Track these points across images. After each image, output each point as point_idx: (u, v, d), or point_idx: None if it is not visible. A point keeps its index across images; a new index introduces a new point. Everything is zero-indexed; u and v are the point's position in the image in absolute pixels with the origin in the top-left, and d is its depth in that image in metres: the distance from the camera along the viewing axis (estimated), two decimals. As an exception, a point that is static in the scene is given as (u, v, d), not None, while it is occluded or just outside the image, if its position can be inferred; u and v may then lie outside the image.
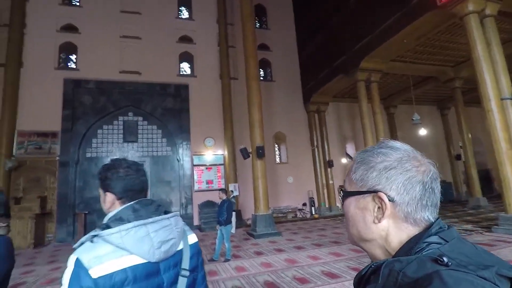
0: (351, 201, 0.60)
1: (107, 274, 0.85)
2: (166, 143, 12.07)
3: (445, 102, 16.79)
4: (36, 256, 7.70)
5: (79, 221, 10.11)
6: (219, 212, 6.11)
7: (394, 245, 0.54)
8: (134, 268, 0.90)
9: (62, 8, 11.82)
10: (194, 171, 12.03)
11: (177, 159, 11.99)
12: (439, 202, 0.56)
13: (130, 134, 11.65)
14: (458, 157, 15.85)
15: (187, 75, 13.02)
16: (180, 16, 13.53)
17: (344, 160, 15.06)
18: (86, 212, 10.32)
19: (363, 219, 0.57)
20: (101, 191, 1.07)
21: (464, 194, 15.66)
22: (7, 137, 10.02)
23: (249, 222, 10.86)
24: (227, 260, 5.88)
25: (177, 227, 1.05)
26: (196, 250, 1.12)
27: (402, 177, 0.54)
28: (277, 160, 13.90)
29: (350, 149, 15.56)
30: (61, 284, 0.84)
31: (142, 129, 11.88)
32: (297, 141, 14.06)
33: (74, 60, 11.85)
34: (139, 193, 1.06)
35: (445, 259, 0.43)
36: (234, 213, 6.42)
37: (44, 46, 11.20)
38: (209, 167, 12.30)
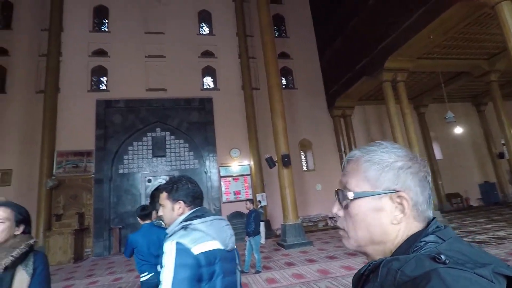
0: (362, 203, 0.57)
1: (204, 252, 1.09)
2: (193, 156, 12.31)
3: (480, 97, 15.77)
4: (76, 270, 8.04)
5: (114, 235, 10.49)
6: (247, 223, 6.06)
7: (398, 244, 0.55)
8: (219, 250, 1.15)
9: (93, 34, 12.63)
10: (222, 183, 12.12)
11: (205, 172, 12.16)
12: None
13: (158, 149, 12.01)
14: (501, 155, 14.68)
15: (210, 89, 13.31)
16: (201, 33, 13.96)
17: (374, 165, 14.51)
18: (121, 226, 10.71)
19: (379, 221, 0.55)
20: (168, 202, 1.31)
21: (511, 195, 14.46)
22: (48, 158, 10.70)
23: (278, 232, 10.69)
24: (257, 272, 5.79)
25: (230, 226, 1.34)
26: (237, 252, 1.36)
27: (417, 177, 0.55)
28: (304, 167, 13.67)
29: (380, 152, 15.00)
30: (164, 265, 1.03)
31: (170, 144, 12.22)
32: (323, 148, 13.78)
33: (105, 82, 12.54)
34: (201, 201, 1.36)
35: (443, 257, 0.44)
36: (262, 223, 6.34)
37: (77, 71, 11.98)
38: (236, 178, 12.35)
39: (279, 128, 9.47)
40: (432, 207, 0.57)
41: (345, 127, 14.05)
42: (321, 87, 14.61)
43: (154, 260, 2.79)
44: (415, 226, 0.55)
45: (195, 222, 1.17)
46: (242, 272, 5.82)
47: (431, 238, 0.51)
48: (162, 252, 3.04)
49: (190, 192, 1.31)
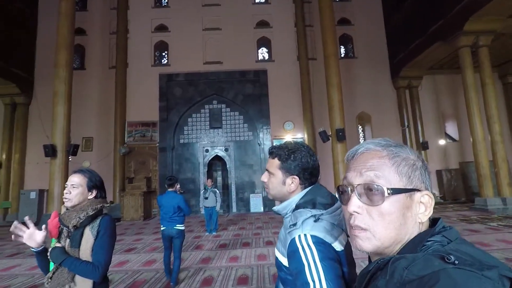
0: (399, 199, 0.53)
1: (342, 250, 0.89)
2: (247, 128, 12.58)
3: None
4: (144, 226, 9.14)
5: (177, 199, 11.53)
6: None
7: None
8: (348, 247, 0.94)
9: (155, 10, 13.26)
10: (275, 155, 12.23)
11: (258, 143, 12.40)
12: None
13: (215, 121, 12.53)
14: None
15: (265, 61, 13.16)
16: (256, 1, 13.63)
17: (442, 141, 13.14)
18: (182, 191, 11.66)
19: (405, 220, 0.53)
20: (279, 172, 1.05)
21: None
22: (120, 128, 12.00)
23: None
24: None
25: None
26: None
27: (429, 177, 0.57)
28: (361, 142, 13.01)
29: (451, 128, 13.47)
30: (304, 264, 0.82)
31: (226, 116, 12.63)
32: (384, 121, 12.84)
33: (166, 57, 13.25)
34: (317, 179, 1.08)
35: (452, 257, 0.43)
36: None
37: (142, 47, 12.85)
38: (289, 150, 12.33)
39: (335, 101, 9.06)
40: None
41: (410, 100, 12.81)
42: (385, 56, 13.34)
43: (167, 217, 3.92)
44: (424, 226, 0.55)
45: (327, 212, 0.94)
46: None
47: (438, 238, 0.50)
48: (176, 212, 3.44)
49: (309, 167, 1.04)
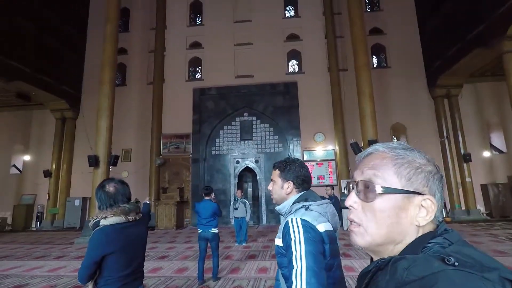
0: (392, 199, 0.55)
1: (326, 231, 1.17)
2: (277, 140, 12.64)
3: None
4: (177, 235, 9.43)
5: (208, 210, 11.78)
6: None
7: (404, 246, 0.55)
8: (331, 232, 1.22)
9: (189, 29, 14.01)
10: (305, 167, 12.13)
11: (288, 155, 12.36)
12: None
13: (246, 133, 12.75)
14: None
15: (295, 73, 13.28)
16: (286, 16, 13.91)
17: (487, 153, 12.22)
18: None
19: (398, 220, 0.55)
20: (279, 179, 1.40)
21: None
22: (156, 140, 12.63)
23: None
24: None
25: None
26: None
27: (440, 184, 0.57)
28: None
29: (497, 139, 12.53)
30: (291, 238, 1.11)
31: (256, 128, 12.81)
32: (420, 132, 12.25)
33: (200, 72, 13.85)
34: (309, 184, 1.41)
35: (452, 259, 0.44)
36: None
37: (178, 63, 13.56)
38: (319, 162, 12.20)
39: (367, 111, 8.88)
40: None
41: (450, 109, 12.13)
42: (420, 64, 12.85)
43: (204, 222, 4.44)
44: (427, 228, 0.56)
45: (315, 203, 1.25)
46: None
47: (439, 240, 0.51)
48: (211, 218, 4.01)
49: (301, 175, 1.38)
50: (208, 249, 4.55)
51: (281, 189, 1.38)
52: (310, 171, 7.69)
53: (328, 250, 1.15)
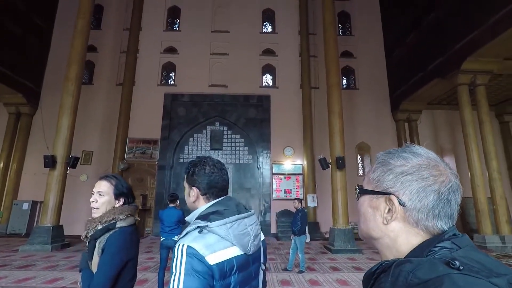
0: (365, 199, 0.62)
1: (220, 262, 0.92)
2: (247, 151, 12.64)
3: None
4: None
5: (172, 219, 11.33)
6: (293, 222, 6.06)
7: (404, 248, 0.56)
8: (238, 258, 0.98)
9: (166, 33, 13.77)
10: (273, 180, 12.23)
11: (257, 167, 12.41)
12: (455, 213, 0.56)
13: (216, 142, 12.62)
14: None
15: (269, 86, 13.51)
16: (264, 31, 14.22)
17: (441, 176, 13.15)
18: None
19: (374, 218, 0.60)
20: (186, 185, 1.15)
21: None
22: (121, 144, 12.04)
23: (327, 235, 10.42)
24: (301, 272, 5.75)
25: (258, 223, 1.14)
26: (265, 246, 1.21)
27: (416, 184, 0.55)
28: (360, 172, 13.04)
29: (449, 162, 13.50)
30: (173, 271, 0.88)
31: (227, 138, 12.74)
32: (383, 153, 12.92)
33: (173, 77, 13.59)
34: (222, 191, 1.13)
35: (457, 262, 0.44)
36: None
37: (151, 67, 13.20)
38: (287, 176, 12.35)
39: (336, 129, 9.20)
40: (445, 219, 0.55)
41: (409, 133, 13.02)
42: (385, 88, 13.73)
43: (167, 229, 4.38)
44: (416, 232, 0.56)
45: (213, 224, 0.97)
46: (285, 270, 5.88)
47: (446, 244, 0.51)
48: (175, 226, 3.80)
49: (206, 178, 1.10)
50: (170, 260, 4.34)
51: (188, 196, 1.13)
52: (278, 185, 7.75)
53: (219, 286, 0.92)
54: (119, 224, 1.38)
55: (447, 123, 13.67)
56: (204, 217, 1.02)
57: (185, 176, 1.16)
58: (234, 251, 0.97)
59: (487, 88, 9.73)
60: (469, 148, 9.28)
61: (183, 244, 0.92)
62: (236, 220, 1.01)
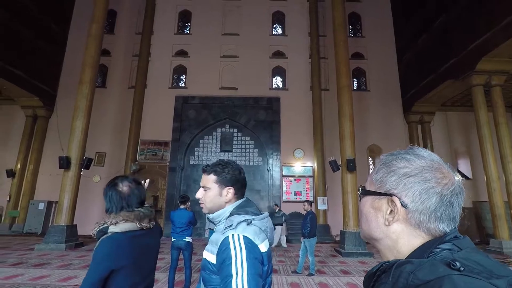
0: (368, 200, 0.62)
1: (266, 251, 1.07)
2: (257, 153, 12.66)
3: None
4: (148, 246, 9.01)
5: (182, 220, 11.45)
6: (303, 224, 6.03)
7: (405, 249, 0.56)
8: (269, 251, 1.11)
9: (177, 37, 13.98)
10: (283, 182, 12.20)
11: (267, 169, 12.40)
12: (458, 216, 0.56)
13: (226, 144, 12.69)
14: None
15: (279, 88, 13.52)
16: (273, 33, 14.26)
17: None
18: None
19: (376, 219, 0.60)
20: (215, 185, 1.18)
21: None
22: (133, 145, 12.24)
23: (337, 238, 10.31)
24: (310, 275, 5.71)
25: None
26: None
27: (419, 186, 0.55)
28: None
29: (464, 166, 13.24)
30: (231, 257, 0.95)
31: (237, 140, 12.79)
32: (395, 155, 12.73)
33: (184, 80, 13.76)
34: (245, 189, 1.26)
35: (458, 264, 0.44)
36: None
37: (162, 70, 13.42)
38: (297, 178, 12.30)
39: (346, 131, 9.12)
40: (447, 221, 0.55)
41: (422, 135, 12.79)
42: (397, 90, 13.53)
43: (178, 230, 4.38)
44: (417, 234, 0.55)
45: (257, 218, 1.10)
46: (294, 272, 5.86)
47: (447, 245, 0.51)
48: (186, 226, 3.91)
49: (240, 179, 1.21)
50: (180, 260, 4.41)
51: (219, 196, 1.18)
52: (288, 187, 7.78)
53: (264, 272, 1.04)
54: (112, 229, 1.34)
55: (461, 125, 13.36)
56: (237, 212, 1.13)
57: (214, 176, 1.20)
58: (267, 244, 1.10)
59: (503, 89, 9.48)
60: (484, 150, 9.06)
61: (238, 234, 1.01)
62: (266, 217, 1.16)
